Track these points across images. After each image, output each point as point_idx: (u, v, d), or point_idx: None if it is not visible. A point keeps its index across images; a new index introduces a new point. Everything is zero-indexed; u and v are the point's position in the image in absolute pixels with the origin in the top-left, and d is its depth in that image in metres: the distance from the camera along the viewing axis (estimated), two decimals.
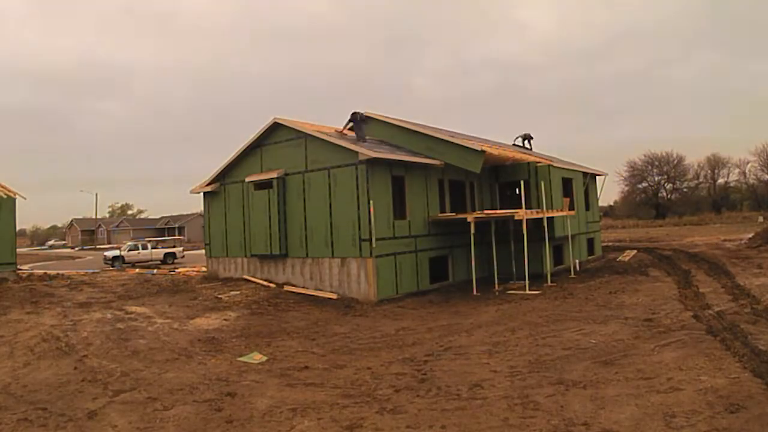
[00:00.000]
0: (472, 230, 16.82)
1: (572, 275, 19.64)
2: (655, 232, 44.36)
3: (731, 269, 17.29)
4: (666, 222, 61.20)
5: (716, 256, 21.02)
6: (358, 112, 18.73)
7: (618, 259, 23.80)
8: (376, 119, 20.49)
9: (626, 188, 75.19)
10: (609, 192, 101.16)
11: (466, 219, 17.08)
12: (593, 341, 9.64)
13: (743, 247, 23.98)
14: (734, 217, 58.58)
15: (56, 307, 14.28)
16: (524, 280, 17.30)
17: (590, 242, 25.88)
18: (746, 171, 70.51)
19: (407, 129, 19.64)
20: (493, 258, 18.83)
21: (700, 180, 72.78)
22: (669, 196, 73.26)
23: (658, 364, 7.91)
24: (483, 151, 17.84)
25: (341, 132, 19.06)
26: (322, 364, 9.23)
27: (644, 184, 73.99)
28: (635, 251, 26.40)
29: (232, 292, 16.54)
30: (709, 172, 72.25)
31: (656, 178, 73.53)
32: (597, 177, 28.04)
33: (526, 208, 17.63)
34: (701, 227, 49.16)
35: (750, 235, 26.87)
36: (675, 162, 71.90)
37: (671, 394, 6.67)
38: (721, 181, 72.86)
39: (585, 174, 25.31)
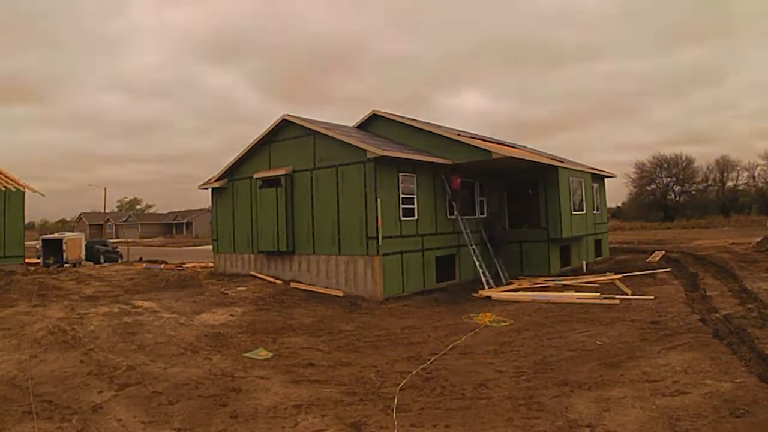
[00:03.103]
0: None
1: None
2: (663, 235, 44.07)
3: (739, 273, 17.15)
4: (674, 224, 60.79)
5: (724, 259, 20.84)
6: None
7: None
8: (384, 117, 20.49)
9: (634, 190, 74.95)
10: (617, 194, 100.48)
11: (472, 218, 17.05)
12: (599, 343, 9.61)
13: (751, 251, 23.76)
14: (742, 220, 58.14)
15: (63, 300, 14.41)
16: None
17: (597, 243, 25.78)
18: (755, 174, 70.17)
19: (414, 127, 19.59)
20: (500, 258, 18.78)
21: (709, 183, 72.38)
22: (677, 199, 72.87)
23: (664, 367, 7.87)
24: (490, 152, 17.79)
25: None
26: (327, 361, 9.25)
27: (652, 186, 73.68)
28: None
29: (239, 288, 16.59)
30: (718, 175, 71.84)
31: (665, 180, 73.24)
32: (605, 178, 27.97)
33: (536, 209, 17.61)
34: (709, 230, 48.82)
35: (758, 239, 26.62)
36: (684, 164, 71.59)
37: (676, 397, 6.64)
38: (730, 184, 72.47)
39: (594, 175, 25.20)
